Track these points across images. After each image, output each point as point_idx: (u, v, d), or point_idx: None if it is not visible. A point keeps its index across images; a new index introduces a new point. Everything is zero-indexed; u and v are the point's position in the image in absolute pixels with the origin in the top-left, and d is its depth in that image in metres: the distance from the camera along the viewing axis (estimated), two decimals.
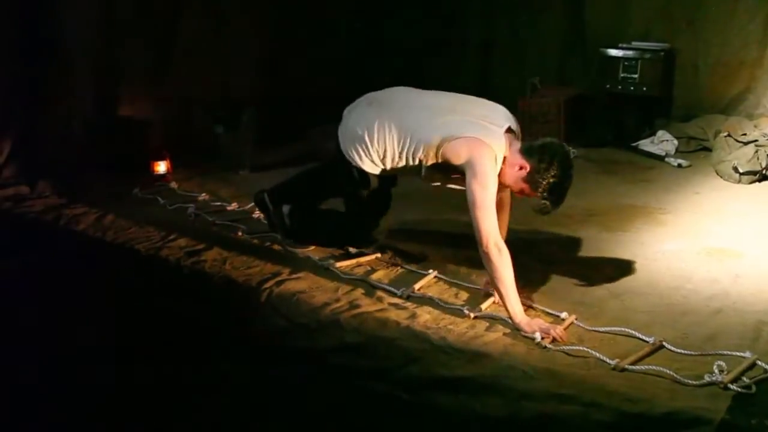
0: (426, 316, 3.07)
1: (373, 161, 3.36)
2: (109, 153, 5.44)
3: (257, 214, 4.26)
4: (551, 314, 3.08)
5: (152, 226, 4.21)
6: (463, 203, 3.05)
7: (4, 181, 4.99)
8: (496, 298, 3.15)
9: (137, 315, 3.82)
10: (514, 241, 3.78)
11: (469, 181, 3.03)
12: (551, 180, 3.01)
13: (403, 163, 3.29)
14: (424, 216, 4.31)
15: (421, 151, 3.21)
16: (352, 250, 3.72)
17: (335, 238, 3.75)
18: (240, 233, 4.07)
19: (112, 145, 5.44)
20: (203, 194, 4.83)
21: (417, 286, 3.33)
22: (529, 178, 3.06)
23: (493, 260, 2.94)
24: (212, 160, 5.82)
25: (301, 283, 3.41)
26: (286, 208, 3.80)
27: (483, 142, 3.06)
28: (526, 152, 3.07)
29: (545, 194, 3.04)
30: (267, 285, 3.39)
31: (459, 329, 2.96)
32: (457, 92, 3.37)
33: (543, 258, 3.71)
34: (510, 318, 2.96)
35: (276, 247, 3.87)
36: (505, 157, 3.10)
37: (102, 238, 4.13)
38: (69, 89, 5.33)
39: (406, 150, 3.25)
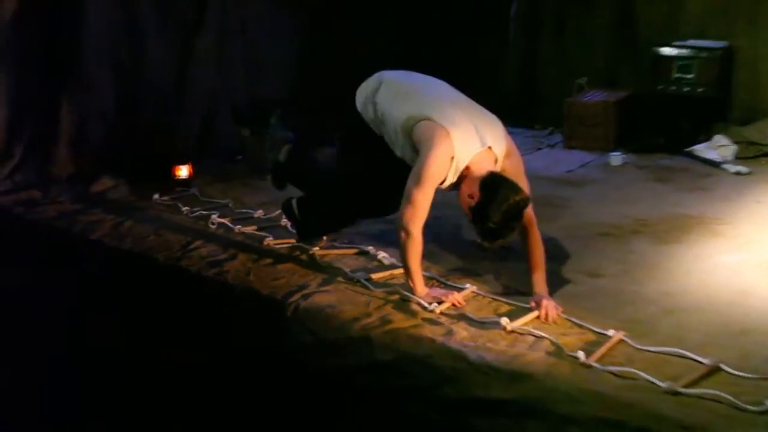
0: (463, 332, 3.06)
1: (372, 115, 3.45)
2: (128, 156, 5.51)
3: (284, 221, 4.29)
4: (597, 332, 3.04)
5: (172, 234, 4.26)
6: None
7: (16, 185, 5.08)
8: (539, 312, 3.16)
9: (153, 331, 3.87)
10: (558, 253, 3.77)
11: (413, 168, 3.20)
12: (490, 225, 3.07)
13: (391, 132, 3.37)
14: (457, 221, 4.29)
15: (402, 122, 3.30)
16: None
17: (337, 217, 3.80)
18: (266, 242, 4.09)
19: (130, 147, 5.50)
20: (227, 201, 4.87)
21: (451, 301, 3.31)
22: (473, 210, 3.13)
23: (400, 243, 3.25)
24: (237, 164, 5.88)
25: (329, 297, 3.41)
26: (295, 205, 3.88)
27: (448, 139, 3.14)
28: (482, 183, 3.11)
29: (480, 232, 3.13)
30: (293, 298, 3.40)
31: (498, 347, 2.94)
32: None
33: (590, 271, 3.68)
34: (412, 290, 3.30)
35: (303, 257, 3.89)
36: (466, 173, 3.17)
37: (119, 246, 4.19)
38: (86, 87, 5.40)
39: (394, 117, 3.34)
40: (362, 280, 3.56)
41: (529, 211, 3.26)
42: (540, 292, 3.27)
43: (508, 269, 3.65)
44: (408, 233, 3.20)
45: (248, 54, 6.44)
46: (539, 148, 6.72)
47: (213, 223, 4.44)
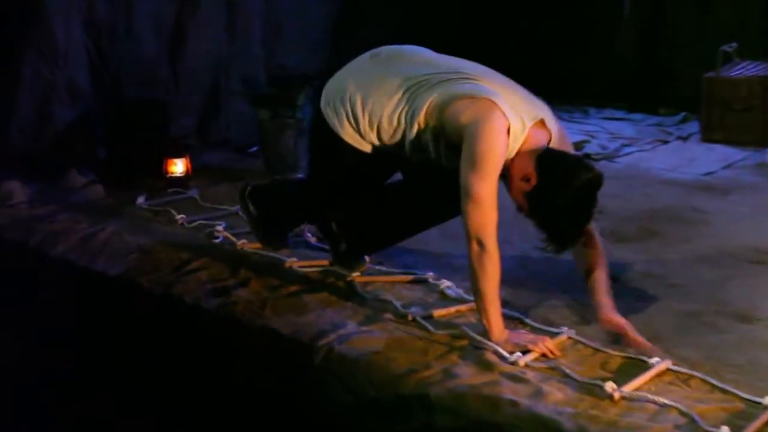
0: (557, 394, 3.01)
1: (355, 126, 3.53)
2: (105, 146, 5.59)
3: (311, 235, 4.35)
4: (748, 399, 2.98)
5: (162, 251, 4.29)
6: None
7: None
8: (657, 368, 3.13)
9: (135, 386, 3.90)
10: (692, 287, 3.77)
11: (463, 157, 3.23)
12: (557, 214, 3.20)
13: (392, 130, 3.46)
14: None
15: (419, 112, 3.37)
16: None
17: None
18: (287, 264, 4.11)
19: (108, 134, 5.59)
20: (236, 208, 4.89)
21: (543, 351, 3.27)
22: (532, 196, 3.24)
23: (472, 259, 3.23)
24: (251, 158, 5.92)
25: (374, 340, 3.40)
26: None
27: (496, 108, 3.21)
28: (539, 159, 3.22)
29: (546, 227, 3.24)
30: (325, 341, 3.40)
31: (607, 416, 2.89)
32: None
33: (739, 313, 3.64)
34: (486, 332, 3.28)
35: (339, 284, 3.90)
36: (518, 152, 3.27)
37: (89, 266, 4.24)
38: (48, 51, 5.51)
39: (400, 110, 3.43)
40: (419, 319, 3.54)
41: None
42: (610, 314, 3.36)
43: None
44: (481, 245, 3.21)
45: (268, 13, 6.51)
46: (666, 141, 6.68)
47: (217, 237, 4.47)
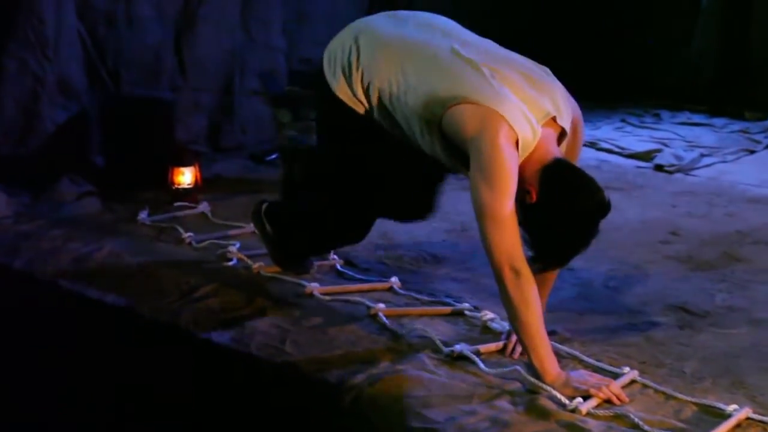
0: None
1: (348, 76, 3.63)
2: (101, 152, 5.62)
3: (338, 258, 4.40)
4: None
5: (167, 275, 4.34)
6: None
7: None
8: (737, 418, 3.13)
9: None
10: None
11: (473, 175, 3.32)
12: (552, 234, 3.30)
13: (392, 116, 3.57)
14: None
15: (414, 94, 3.46)
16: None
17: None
18: (308, 291, 4.15)
19: (106, 138, 5.61)
20: (251, 225, 4.94)
21: (608, 396, 3.28)
22: (527, 210, 3.32)
23: (508, 289, 3.27)
24: (270, 167, 5.94)
25: (410, 382, 3.41)
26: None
27: (503, 121, 3.29)
28: (544, 173, 3.30)
29: (536, 244, 3.32)
30: (354, 381, 3.42)
31: None
32: None
33: None
34: (538, 375, 3.29)
35: (374, 312, 3.93)
36: (528, 159, 3.34)
37: (83, 291, 4.27)
38: (38, 42, 5.54)
39: (394, 81, 3.52)
40: (466, 353, 3.56)
41: None
42: None
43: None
44: (515, 271, 3.26)
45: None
46: (752, 151, 6.65)
47: (230, 259, 4.51)
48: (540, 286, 3.41)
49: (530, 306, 3.28)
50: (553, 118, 3.41)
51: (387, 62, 3.57)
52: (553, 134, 3.43)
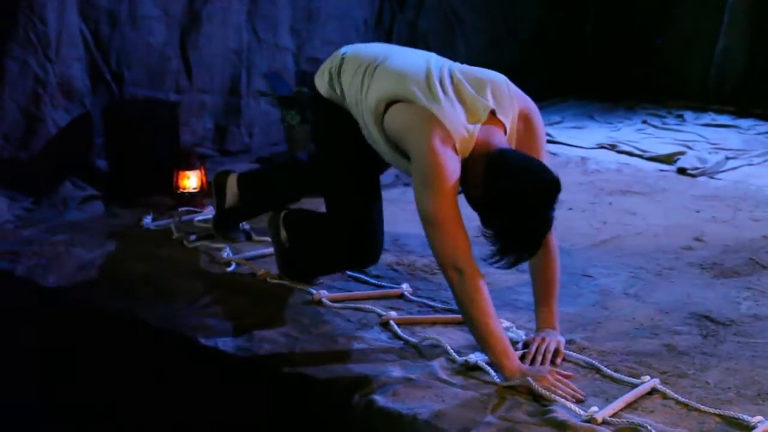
0: None
1: (329, 78, 3.97)
2: (105, 154, 5.63)
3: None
4: None
5: (172, 281, 4.35)
6: None
7: None
8: (761, 430, 3.13)
9: None
10: None
11: (413, 180, 3.58)
12: (505, 223, 3.38)
13: (355, 116, 3.87)
14: None
15: (371, 106, 3.72)
16: None
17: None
18: (317, 297, 4.16)
19: (109, 140, 5.63)
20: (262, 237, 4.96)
21: (619, 405, 3.29)
22: (482, 209, 3.45)
23: (453, 289, 3.50)
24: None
25: (421, 391, 3.42)
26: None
27: (436, 121, 3.50)
28: (486, 166, 3.43)
29: (494, 240, 3.40)
30: (364, 391, 3.42)
31: None
32: None
33: None
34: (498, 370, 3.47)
35: (385, 320, 3.94)
36: (471, 156, 3.50)
37: (85, 299, 4.29)
38: (39, 42, 5.56)
39: (360, 81, 3.80)
40: (481, 363, 3.55)
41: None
42: (547, 328, 3.67)
43: None
44: (459, 271, 3.44)
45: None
46: None
47: (229, 263, 4.55)
48: (543, 284, 3.70)
49: (477, 303, 3.44)
50: (493, 112, 3.56)
51: (360, 66, 3.84)
52: (496, 129, 3.57)
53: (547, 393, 3.30)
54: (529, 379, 3.34)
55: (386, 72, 3.75)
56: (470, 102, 3.58)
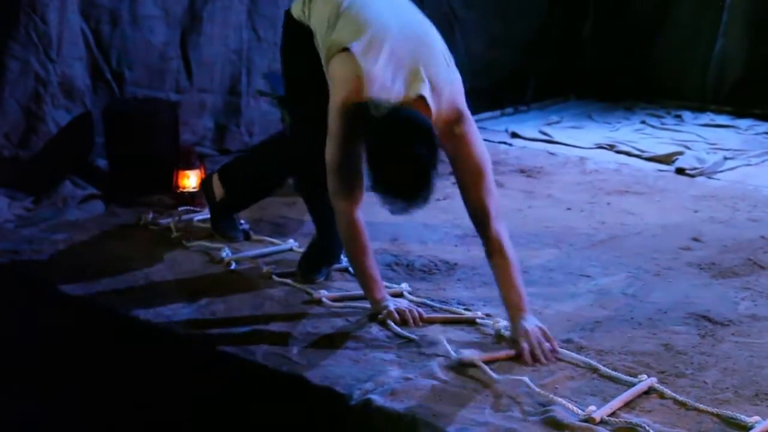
0: None
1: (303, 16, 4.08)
2: (106, 154, 5.63)
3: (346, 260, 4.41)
4: None
5: (170, 280, 4.37)
6: None
7: None
8: (760, 429, 3.14)
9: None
10: None
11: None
12: (376, 174, 3.56)
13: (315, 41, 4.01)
14: None
15: (326, 46, 3.89)
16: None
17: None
18: (316, 297, 4.16)
19: (110, 140, 5.63)
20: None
21: (617, 405, 3.29)
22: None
23: (338, 226, 3.91)
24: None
25: (419, 390, 3.42)
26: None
27: (360, 80, 3.68)
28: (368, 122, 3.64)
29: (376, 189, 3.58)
30: (362, 390, 3.41)
31: None
32: None
33: None
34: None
35: (381, 322, 3.93)
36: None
37: (85, 298, 4.28)
38: (41, 41, 5.58)
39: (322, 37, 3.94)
40: (475, 360, 3.55)
41: (493, 222, 3.78)
42: (519, 313, 3.75)
43: None
44: (342, 212, 3.87)
45: None
46: None
47: (228, 263, 4.55)
48: (502, 282, 3.79)
49: (354, 242, 3.89)
50: (423, 98, 3.67)
51: (330, 2, 3.94)
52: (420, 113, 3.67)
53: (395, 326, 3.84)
54: (388, 321, 3.87)
55: (349, 18, 3.85)
56: (408, 77, 3.70)
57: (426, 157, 3.49)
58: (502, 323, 3.86)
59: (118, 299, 4.23)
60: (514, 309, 3.75)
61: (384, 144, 3.54)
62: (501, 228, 3.81)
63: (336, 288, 4.29)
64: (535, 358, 3.59)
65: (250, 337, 3.84)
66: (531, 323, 3.69)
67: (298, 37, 4.08)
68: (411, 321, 3.88)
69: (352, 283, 4.31)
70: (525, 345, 3.62)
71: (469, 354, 3.61)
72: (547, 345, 3.63)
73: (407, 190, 3.54)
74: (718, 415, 3.23)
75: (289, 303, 4.16)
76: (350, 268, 4.35)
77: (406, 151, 3.48)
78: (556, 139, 6.95)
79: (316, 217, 4.36)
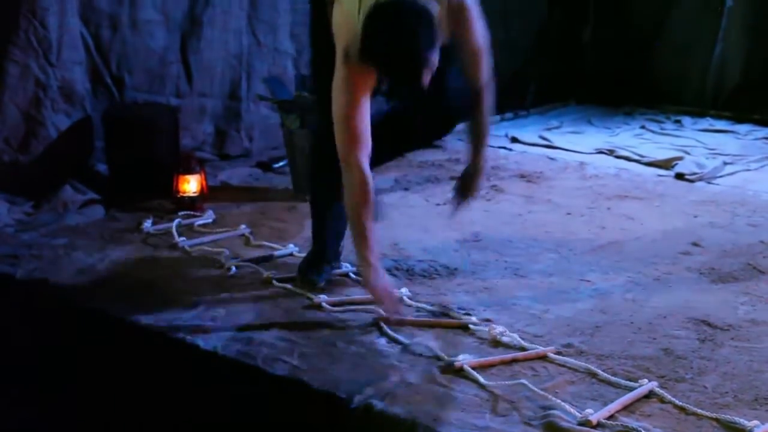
0: None
1: None
2: (106, 156, 5.64)
3: (351, 266, 4.42)
4: None
5: (172, 286, 4.35)
6: None
7: None
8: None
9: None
10: None
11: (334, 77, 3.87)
12: (371, 52, 3.66)
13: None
14: None
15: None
16: None
17: None
18: (318, 301, 4.17)
19: (110, 144, 5.63)
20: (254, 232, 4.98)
21: (615, 408, 3.29)
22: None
23: (343, 180, 3.87)
24: (277, 174, 5.94)
25: (421, 395, 3.42)
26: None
27: (349, 23, 3.77)
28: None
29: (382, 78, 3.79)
30: (364, 395, 3.41)
31: None
32: None
33: None
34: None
35: (382, 327, 3.94)
36: None
37: (85, 303, 4.28)
38: (40, 46, 5.57)
39: None
40: (465, 366, 3.56)
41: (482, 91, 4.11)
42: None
43: None
44: (348, 164, 3.87)
45: None
46: None
47: (228, 268, 4.54)
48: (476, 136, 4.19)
49: (353, 195, 3.86)
50: None
51: None
52: None
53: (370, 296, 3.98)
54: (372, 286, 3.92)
55: None
56: None
57: (420, 33, 3.62)
58: (498, 329, 3.85)
59: (118, 304, 4.22)
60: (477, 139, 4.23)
61: (380, 21, 3.64)
62: (487, 94, 4.16)
63: (336, 293, 4.28)
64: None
65: (250, 342, 3.83)
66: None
67: (322, 11, 4.08)
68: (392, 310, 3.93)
69: (352, 288, 4.31)
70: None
71: (462, 357, 3.62)
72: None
73: (402, 58, 3.62)
74: (717, 420, 3.22)
75: (289, 308, 4.15)
76: (351, 271, 4.36)
77: (398, 24, 3.60)
78: (556, 144, 6.95)
79: (319, 217, 4.34)
